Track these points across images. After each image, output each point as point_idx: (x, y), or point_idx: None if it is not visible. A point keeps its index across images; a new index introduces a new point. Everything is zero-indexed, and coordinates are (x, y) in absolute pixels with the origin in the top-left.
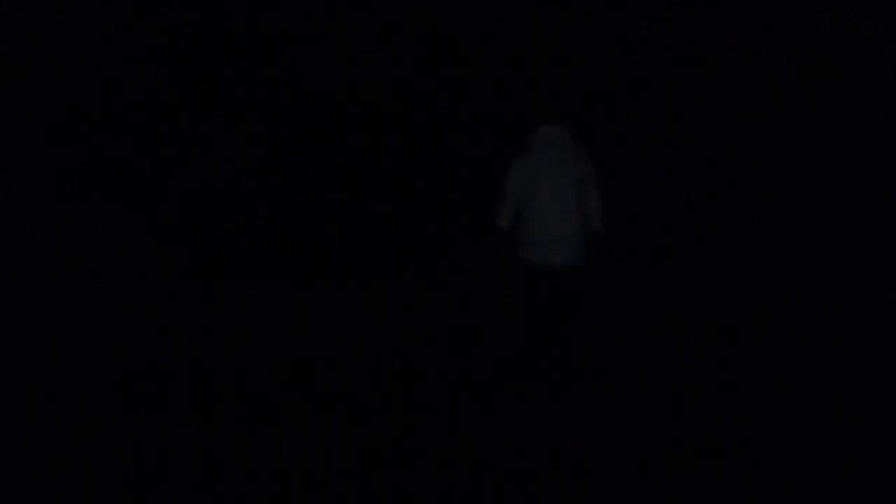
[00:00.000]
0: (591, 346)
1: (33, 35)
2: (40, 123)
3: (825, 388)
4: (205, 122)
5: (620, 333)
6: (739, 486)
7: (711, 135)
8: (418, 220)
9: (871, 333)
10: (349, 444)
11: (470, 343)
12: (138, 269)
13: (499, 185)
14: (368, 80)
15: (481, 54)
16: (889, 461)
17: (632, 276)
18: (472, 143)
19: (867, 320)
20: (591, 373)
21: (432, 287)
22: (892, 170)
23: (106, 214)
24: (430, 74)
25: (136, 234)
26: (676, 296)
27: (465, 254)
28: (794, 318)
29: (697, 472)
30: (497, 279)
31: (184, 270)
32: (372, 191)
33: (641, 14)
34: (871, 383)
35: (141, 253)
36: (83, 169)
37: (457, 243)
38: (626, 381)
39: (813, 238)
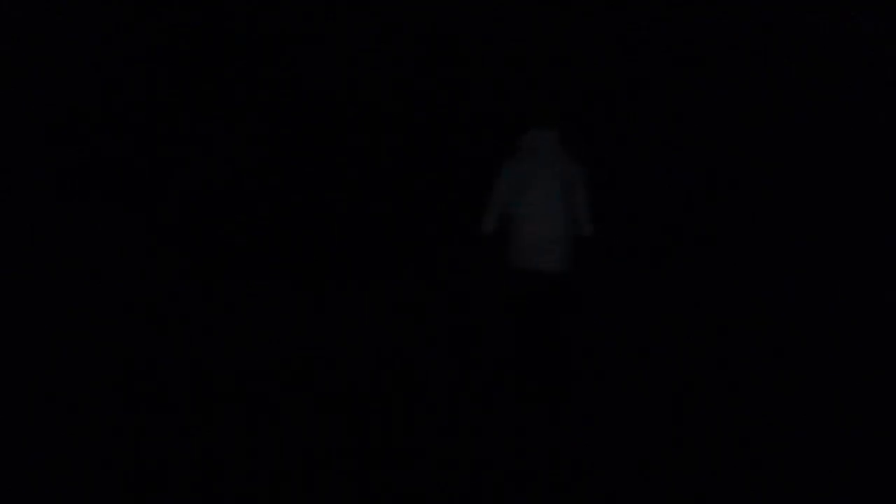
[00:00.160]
0: (591, 346)
1: (33, 35)
2: (40, 123)
3: (825, 388)
4: (205, 122)
5: (620, 333)
6: (739, 486)
7: (711, 135)
8: (418, 220)
9: (871, 333)
10: (349, 444)
11: (470, 343)
12: (138, 269)
13: (488, 188)
14: (368, 80)
15: (481, 54)
16: (889, 461)
17: (632, 276)
18: (472, 143)
19: (867, 320)
20: (591, 373)
21: (432, 287)
22: (892, 170)
23: (106, 214)
24: (430, 74)
25: (136, 234)
26: (676, 296)
27: (465, 254)
28: (794, 318)
29: (697, 472)
30: (495, 280)
31: (184, 270)
32: (372, 191)
33: (641, 14)
34: (871, 383)
35: (141, 253)
36: (83, 169)
37: (457, 243)
38: (626, 381)
39: (813, 238)
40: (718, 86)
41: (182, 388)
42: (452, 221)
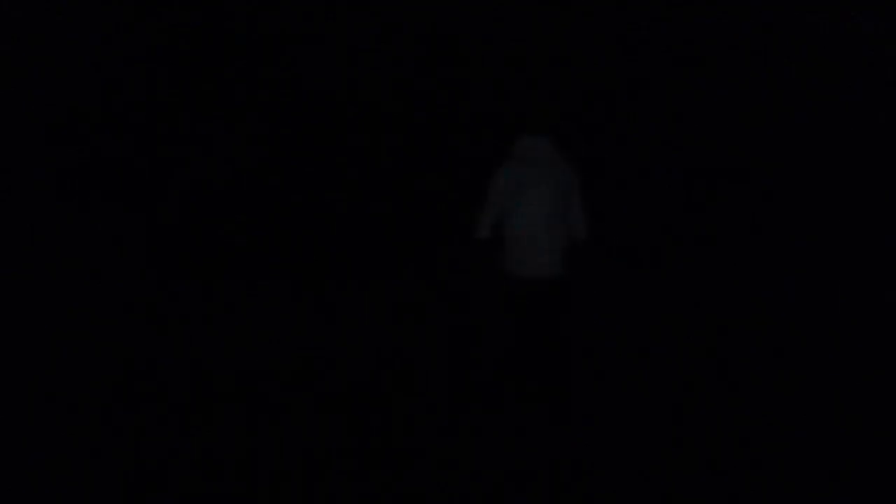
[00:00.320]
0: (591, 347)
1: (33, 35)
2: (40, 123)
3: (825, 388)
4: (205, 122)
5: (620, 333)
6: (739, 486)
7: (711, 135)
8: (418, 220)
9: (871, 333)
10: (349, 444)
11: (470, 343)
12: (138, 269)
13: (482, 193)
14: (368, 80)
15: (481, 54)
16: (889, 461)
17: (632, 275)
18: (472, 143)
19: (867, 320)
20: (591, 373)
21: (432, 287)
22: (892, 170)
23: (106, 214)
24: (430, 74)
25: (136, 234)
26: (676, 296)
27: (465, 254)
28: (794, 318)
29: (697, 472)
30: (493, 281)
31: (184, 270)
32: (372, 191)
33: (641, 14)
34: (871, 383)
35: (141, 253)
36: (83, 169)
37: (457, 243)
38: (626, 381)
39: (813, 238)
40: (718, 86)
41: (182, 388)
42: (452, 221)
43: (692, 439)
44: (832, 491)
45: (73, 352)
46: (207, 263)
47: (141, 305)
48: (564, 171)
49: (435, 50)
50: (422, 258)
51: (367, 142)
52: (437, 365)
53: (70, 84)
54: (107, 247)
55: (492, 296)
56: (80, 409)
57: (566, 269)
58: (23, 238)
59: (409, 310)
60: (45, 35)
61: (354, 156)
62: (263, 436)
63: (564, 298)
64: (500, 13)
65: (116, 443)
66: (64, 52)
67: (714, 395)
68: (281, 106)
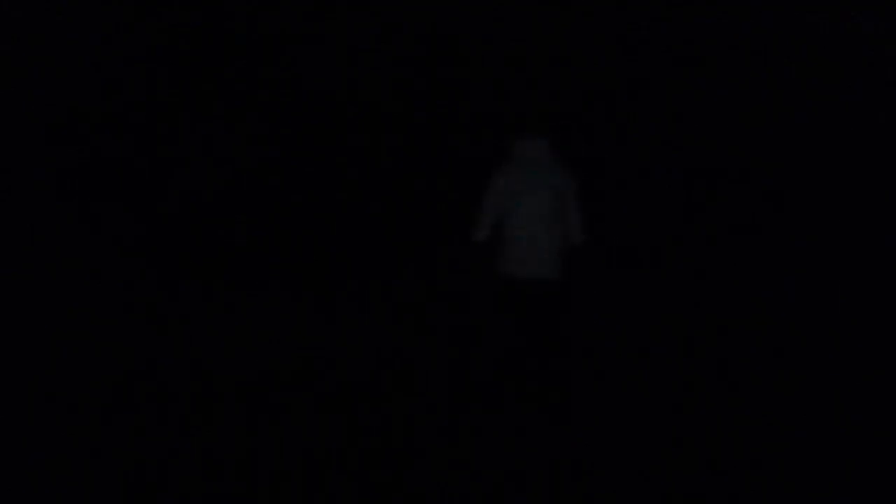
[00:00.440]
0: (591, 347)
1: (33, 35)
2: (40, 123)
3: (825, 388)
4: (205, 122)
5: (620, 334)
6: (739, 486)
7: (711, 135)
8: (418, 220)
9: (871, 333)
10: (349, 444)
11: (470, 343)
12: (138, 269)
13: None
14: (368, 80)
15: (481, 54)
16: (889, 461)
17: (632, 275)
18: (472, 143)
19: (867, 320)
20: (591, 373)
21: (432, 287)
22: (892, 170)
23: (106, 214)
24: (430, 74)
25: (136, 234)
26: (676, 296)
27: (465, 254)
28: (794, 318)
29: (697, 472)
30: (491, 283)
31: (184, 271)
32: (372, 191)
33: (641, 14)
34: (871, 383)
35: (141, 253)
36: (83, 169)
37: (456, 243)
38: (626, 381)
39: (813, 238)
40: (718, 86)
41: (182, 389)
42: (452, 221)
43: (692, 439)
44: (832, 491)
45: (73, 352)
46: (207, 263)
47: (141, 305)
48: (562, 173)
49: (435, 50)
50: (422, 258)
51: (367, 142)
52: (437, 365)
53: (70, 84)
54: (107, 247)
55: (491, 296)
56: (80, 410)
57: (563, 271)
58: (23, 238)
59: (409, 310)
60: (45, 35)
61: (354, 156)
62: (263, 436)
63: (562, 300)
64: (500, 13)
65: (116, 443)
66: (64, 52)
67: (714, 395)
68: (281, 106)
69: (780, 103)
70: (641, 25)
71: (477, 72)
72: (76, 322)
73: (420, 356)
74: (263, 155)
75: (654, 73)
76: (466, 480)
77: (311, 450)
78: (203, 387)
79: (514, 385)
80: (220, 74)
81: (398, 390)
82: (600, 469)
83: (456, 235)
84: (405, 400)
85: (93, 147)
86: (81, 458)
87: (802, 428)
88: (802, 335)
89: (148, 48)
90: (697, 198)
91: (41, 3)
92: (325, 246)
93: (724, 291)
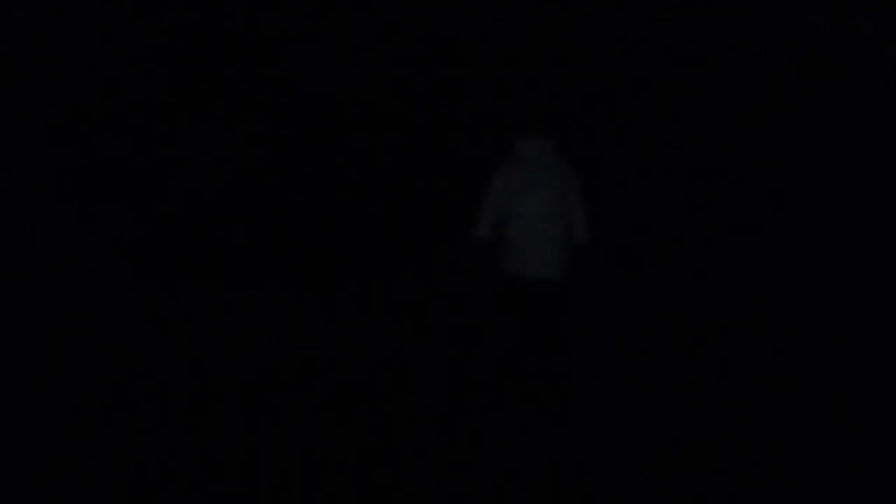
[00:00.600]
0: (591, 347)
1: (33, 35)
2: (40, 123)
3: (825, 388)
4: (205, 122)
5: (620, 333)
6: (739, 486)
7: (711, 135)
8: (418, 220)
9: (871, 333)
10: (349, 444)
11: (470, 343)
12: (138, 269)
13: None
14: (368, 80)
15: (481, 54)
16: (889, 461)
17: (632, 275)
18: (472, 143)
19: (867, 320)
20: (591, 373)
21: (432, 287)
22: (892, 170)
23: (106, 214)
24: (430, 74)
25: (136, 234)
26: (676, 296)
27: (465, 254)
28: (794, 318)
29: (697, 472)
30: (492, 282)
31: (184, 271)
32: (372, 191)
33: (641, 14)
34: (871, 383)
35: (141, 253)
36: (83, 169)
37: (457, 243)
38: (626, 381)
39: (813, 238)
40: (718, 86)
41: (182, 389)
42: (452, 221)
43: (692, 439)
44: (832, 491)
45: (73, 352)
46: (207, 263)
47: (141, 305)
48: (565, 172)
49: (435, 50)
50: (422, 258)
51: (367, 142)
52: (437, 365)
53: (70, 84)
54: (107, 247)
55: (492, 296)
56: (80, 410)
57: (566, 269)
58: (23, 238)
59: (409, 310)
60: (45, 35)
61: (354, 156)
62: (263, 436)
63: (564, 299)
64: (500, 13)
65: (116, 443)
66: (64, 52)
67: (714, 395)
68: (281, 106)
69: (780, 103)
70: (641, 25)
71: (477, 72)
72: (76, 322)
73: (420, 356)
74: (263, 155)
75: (654, 73)
76: (466, 480)
77: (311, 450)
78: (203, 387)
79: (514, 385)
80: (220, 74)
81: (398, 390)
82: (600, 469)
83: (456, 235)
84: (405, 400)
85: (93, 147)
86: (81, 458)
87: (802, 428)
88: (802, 335)
89: (148, 48)
90: (697, 198)
91: (41, 3)
92: (325, 246)
93: (724, 291)
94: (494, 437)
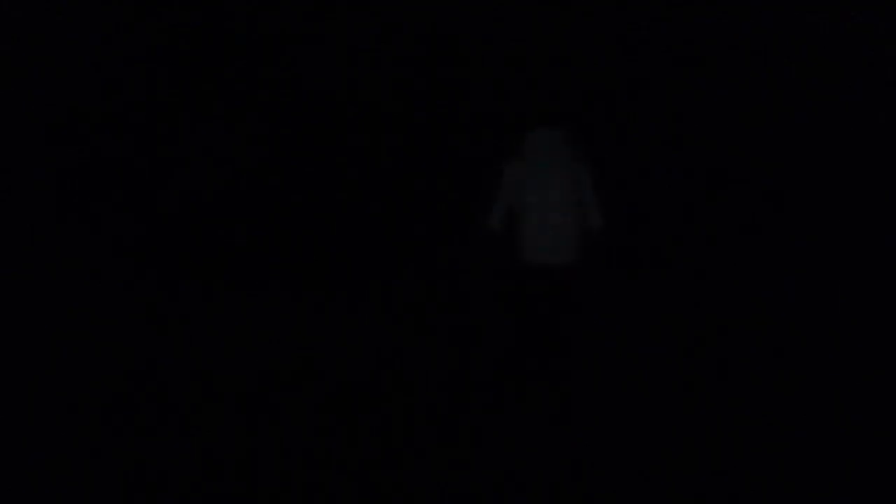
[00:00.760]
0: (591, 346)
1: (33, 35)
2: (40, 123)
3: (825, 388)
4: (205, 122)
5: (620, 333)
6: (739, 486)
7: (711, 135)
8: (418, 220)
9: (872, 333)
10: (349, 444)
11: (470, 343)
12: (138, 269)
13: (493, 185)
14: (368, 80)
15: (481, 54)
16: (889, 461)
17: (632, 276)
18: (472, 143)
19: (867, 320)
20: (591, 373)
21: (432, 287)
22: (892, 170)
23: (106, 214)
24: (430, 74)
25: (136, 234)
26: (676, 296)
27: (465, 254)
28: (794, 318)
29: (697, 472)
30: (495, 279)
31: (184, 271)
32: (372, 191)
33: (641, 14)
34: (871, 383)
35: (141, 253)
36: (83, 169)
37: (457, 243)
38: (626, 381)
39: (813, 238)
40: (718, 86)
41: (182, 389)
42: (452, 221)
43: (692, 439)
44: (832, 491)
45: (73, 352)
46: (207, 263)
47: (141, 306)
48: (576, 163)
49: (435, 50)
50: (422, 258)
51: (367, 142)
52: (437, 365)
53: (70, 84)
54: (107, 247)
55: (497, 292)
56: (80, 410)
57: (580, 256)
58: (23, 238)
59: (409, 310)
60: (45, 35)
61: (354, 156)
62: (263, 436)
63: (574, 289)
64: (500, 13)
65: (117, 443)
66: (64, 52)
67: (714, 395)
68: (281, 106)
69: (780, 103)
70: (641, 25)
71: (477, 72)
72: (76, 322)
73: (420, 356)
74: (263, 155)
75: (654, 73)
76: (466, 480)
77: (311, 450)
78: (203, 387)
79: (514, 385)
80: (220, 74)
81: (398, 390)
82: (600, 469)
83: (456, 235)
84: (405, 400)
85: (93, 147)
86: (81, 458)
87: (802, 428)
88: (802, 335)
89: (148, 48)
90: (697, 198)
91: (41, 3)
92: (325, 246)
93: (724, 291)
94: (494, 437)
